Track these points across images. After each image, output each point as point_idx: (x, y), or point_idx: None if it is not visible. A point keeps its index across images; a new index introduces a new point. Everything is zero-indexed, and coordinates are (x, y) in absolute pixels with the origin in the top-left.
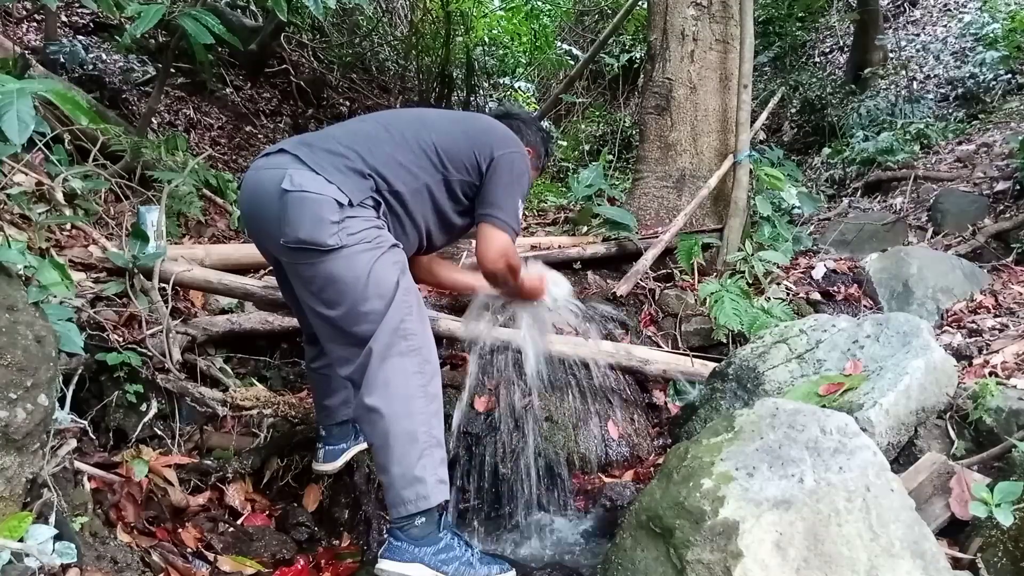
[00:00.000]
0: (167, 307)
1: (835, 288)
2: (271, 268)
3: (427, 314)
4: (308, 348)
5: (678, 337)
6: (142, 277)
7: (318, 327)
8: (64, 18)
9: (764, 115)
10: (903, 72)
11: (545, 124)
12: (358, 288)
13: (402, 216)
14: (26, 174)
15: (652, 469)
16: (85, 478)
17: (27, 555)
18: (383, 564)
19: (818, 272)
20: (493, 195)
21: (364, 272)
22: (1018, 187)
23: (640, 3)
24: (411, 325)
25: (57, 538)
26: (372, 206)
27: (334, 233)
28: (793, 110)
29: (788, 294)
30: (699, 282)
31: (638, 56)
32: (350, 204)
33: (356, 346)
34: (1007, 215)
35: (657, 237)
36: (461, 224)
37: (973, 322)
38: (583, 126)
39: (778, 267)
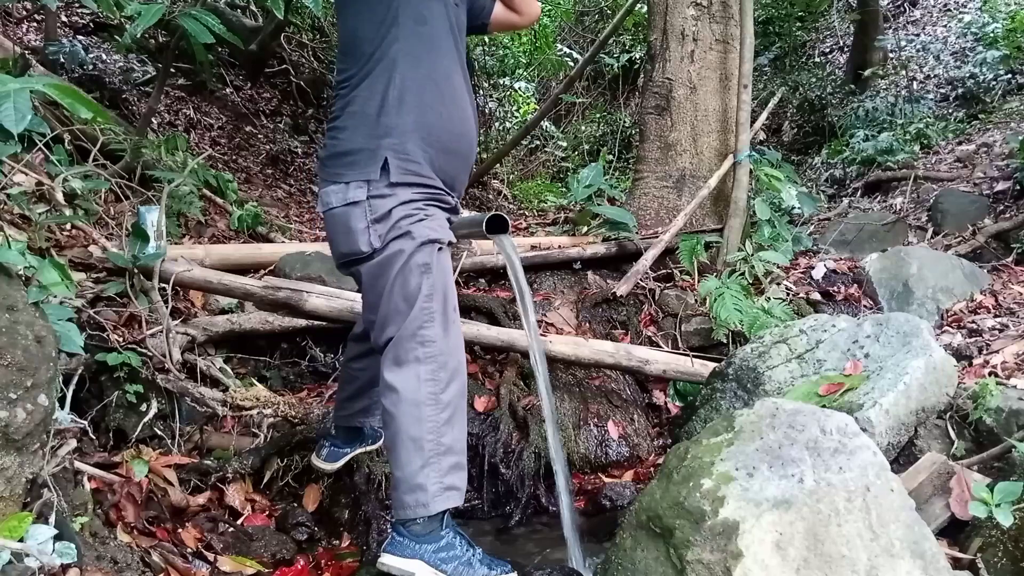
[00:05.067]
0: (167, 307)
1: (835, 288)
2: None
3: (456, 319)
4: (351, 344)
5: (678, 337)
6: (142, 277)
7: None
8: (64, 18)
9: (764, 115)
10: (903, 72)
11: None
12: (384, 292)
13: (437, 100)
14: (26, 174)
15: (652, 469)
16: (85, 478)
17: (27, 555)
18: (384, 558)
19: (818, 272)
20: None
21: (391, 277)
22: (1018, 187)
23: (640, 3)
24: (430, 332)
25: (57, 538)
26: (404, 176)
27: (367, 240)
28: (793, 110)
29: (788, 294)
30: (699, 282)
31: (638, 56)
32: (369, 185)
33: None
34: (1007, 215)
35: (657, 237)
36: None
37: (973, 322)
38: (583, 126)
39: (778, 267)
